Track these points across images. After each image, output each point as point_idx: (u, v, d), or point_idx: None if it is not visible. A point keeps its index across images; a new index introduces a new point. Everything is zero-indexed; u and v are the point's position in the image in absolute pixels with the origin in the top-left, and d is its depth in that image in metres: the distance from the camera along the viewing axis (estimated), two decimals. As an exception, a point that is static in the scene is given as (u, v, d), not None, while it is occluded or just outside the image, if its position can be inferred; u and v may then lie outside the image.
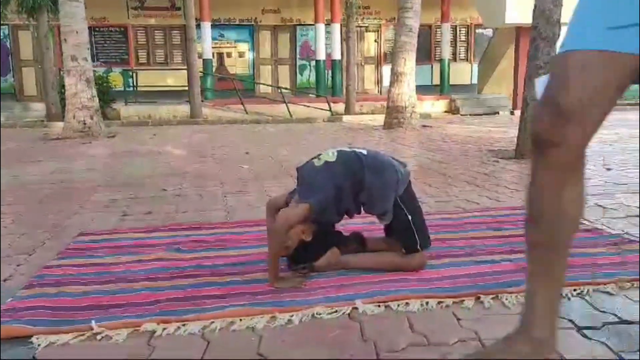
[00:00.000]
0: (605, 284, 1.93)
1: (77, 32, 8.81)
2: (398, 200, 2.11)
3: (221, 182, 4.44)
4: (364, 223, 2.56)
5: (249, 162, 5.62)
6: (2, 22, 13.19)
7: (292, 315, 1.73)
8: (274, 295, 1.89)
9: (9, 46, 16.26)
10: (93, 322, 1.69)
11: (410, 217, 2.11)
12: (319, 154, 2.18)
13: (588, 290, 1.89)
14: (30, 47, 16.12)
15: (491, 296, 1.85)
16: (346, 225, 2.41)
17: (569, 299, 1.83)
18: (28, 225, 3.05)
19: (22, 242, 2.70)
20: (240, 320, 1.71)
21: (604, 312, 1.73)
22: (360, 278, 2.03)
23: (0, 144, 7.58)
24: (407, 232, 2.12)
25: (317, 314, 1.74)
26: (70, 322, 1.71)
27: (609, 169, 4.60)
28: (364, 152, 2.18)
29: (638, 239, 2.46)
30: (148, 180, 4.57)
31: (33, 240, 2.72)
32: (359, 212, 2.19)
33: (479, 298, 1.84)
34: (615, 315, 1.70)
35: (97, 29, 16.15)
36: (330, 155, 2.13)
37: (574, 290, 1.88)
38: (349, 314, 1.75)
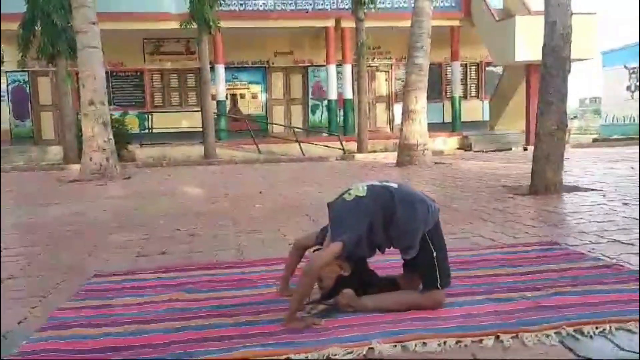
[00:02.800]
0: (627, 322, 1.87)
1: (94, 77, 9.04)
2: (426, 235, 2.09)
3: (235, 221, 4.45)
4: (384, 260, 2.53)
5: (262, 201, 5.64)
6: (22, 68, 13.57)
7: (307, 356, 1.70)
8: (289, 335, 1.86)
9: (28, 92, 16.69)
10: (107, 364, 1.68)
11: (435, 253, 2.09)
12: (349, 189, 2.17)
13: (610, 328, 1.84)
14: (49, 92, 16.54)
15: (511, 335, 1.80)
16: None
17: (591, 337, 1.79)
18: (44, 267, 3.07)
19: (37, 284, 2.71)
20: (255, 361, 1.68)
21: (626, 350, 1.68)
22: (376, 317, 2.00)
23: (0, 185, 7.70)
24: (430, 268, 2.09)
25: (332, 354, 1.71)
26: (84, 365, 1.69)
27: (626, 204, 4.54)
28: (395, 185, 2.17)
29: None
30: (162, 221, 4.59)
31: (48, 282, 2.72)
32: (390, 247, 2.17)
33: (498, 337, 1.80)
34: (639, 354, 1.65)
35: (114, 73, 16.55)
36: (361, 190, 2.12)
37: (596, 328, 1.84)
38: (364, 354, 1.72)
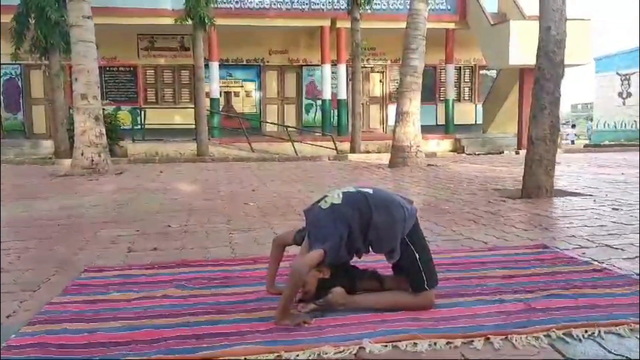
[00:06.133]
0: (616, 326, 1.89)
1: (88, 71, 8.99)
2: (405, 238, 2.11)
3: (227, 218, 4.44)
4: (371, 261, 2.54)
5: (255, 199, 5.63)
6: (14, 61, 13.48)
7: (298, 355, 1.70)
8: (281, 333, 1.87)
9: (20, 85, 16.58)
10: (97, 359, 1.67)
11: (417, 255, 2.10)
12: (325, 196, 2.19)
13: (600, 332, 1.85)
14: (41, 85, 16.43)
15: (501, 337, 1.81)
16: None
17: (579, 340, 1.80)
18: (34, 261, 3.05)
19: (27, 278, 2.69)
20: (246, 358, 1.68)
21: (614, 353, 1.70)
22: (367, 317, 2.01)
23: (0, 181, 7.64)
24: (414, 270, 2.10)
25: (323, 353, 1.71)
26: (73, 360, 1.69)
27: (616, 209, 4.58)
28: (370, 191, 2.18)
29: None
30: (154, 217, 4.58)
31: (38, 276, 2.71)
32: (368, 252, 2.18)
33: (488, 339, 1.81)
34: (628, 358, 1.67)
35: (107, 68, 16.48)
36: (336, 197, 2.14)
37: (585, 331, 1.85)
38: (355, 354, 1.72)
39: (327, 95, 16.23)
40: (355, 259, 2.20)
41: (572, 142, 24.44)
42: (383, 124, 18.42)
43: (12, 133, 15.96)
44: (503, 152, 14.85)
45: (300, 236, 2.20)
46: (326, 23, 15.86)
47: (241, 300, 2.24)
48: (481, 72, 18.90)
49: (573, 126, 30.01)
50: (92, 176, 8.55)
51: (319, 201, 2.18)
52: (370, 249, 2.17)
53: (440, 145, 16.11)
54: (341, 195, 2.14)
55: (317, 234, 2.07)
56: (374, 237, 2.11)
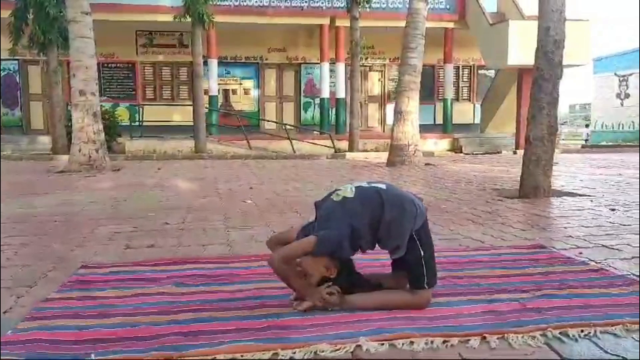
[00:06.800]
0: (612, 326, 1.89)
1: (86, 67, 8.98)
2: (413, 234, 2.10)
3: (225, 216, 4.44)
4: (370, 260, 2.54)
5: (252, 197, 5.63)
6: (13, 56, 13.45)
7: (294, 352, 1.70)
8: (277, 331, 1.86)
9: (18, 80, 16.54)
10: (93, 355, 1.67)
11: (422, 253, 2.10)
12: (337, 189, 2.17)
13: (595, 332, 1.85)
14: (39, 81, 16.41)
15: (497, 336, 1.82)
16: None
17: (576, 340, 1.80)
18: (31, 257, 3.04)
19: (24, 274, 2.68)
20: (242, 356, 1.68)
21: (610, 353, 1.70)
22: (364, 315, 2.00)
23: (0, 177, 7.62)
24: (417, 267, 2.10)
25: (320, 351, 1.71)
26: (70, 356, 1.68)
27: (613, 210, 4.58)
28: (383, 186, 2.17)
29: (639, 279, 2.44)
30: (151, 214, 4.57)
31: (35, 272, 2.70)
32: (373, 248, 2.17)
33: (484, 338, 1.81)
34: (624, 358, 1.67)
35: (105, 64, 16.45)
36: (349, 191, 2.12)
37: (581, 331, 1.85)
38: (352, 352, 1.72)
39: (325, 93, 16.25)
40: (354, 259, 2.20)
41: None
42: (381, 122, 18.44)
43: (10, 129, 15.94)
44: (501, 152, 14.88)
45: (305, 233, 2.16)
46: (325, 21, 15.87)
47: (237, 298, 2.23)
48: (480, 71, 18.92)
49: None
50: (90, 172, 8.54)
51: (330, 194, 2.18)
52: (377, 245, 2.16)
53: (438, 144, 16.14)
54: (354, 190, 2.12)
55: (321, 227, 2.07)
56: (384, 234, 2.09)
